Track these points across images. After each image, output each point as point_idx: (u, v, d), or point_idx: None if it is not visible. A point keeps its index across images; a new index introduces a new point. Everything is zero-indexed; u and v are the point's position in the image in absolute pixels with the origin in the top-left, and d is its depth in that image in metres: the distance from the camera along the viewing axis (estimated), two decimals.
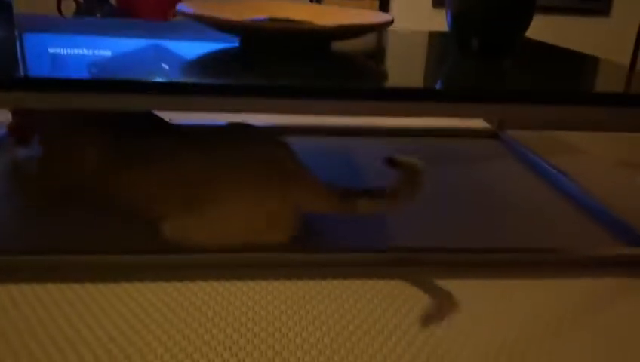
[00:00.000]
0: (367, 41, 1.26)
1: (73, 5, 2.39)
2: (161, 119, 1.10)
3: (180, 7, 1.10)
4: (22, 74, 0.78)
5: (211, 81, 0.80)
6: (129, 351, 0.71)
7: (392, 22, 1.11)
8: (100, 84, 0.77)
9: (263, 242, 0.92)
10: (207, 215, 0.91)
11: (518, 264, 0.96)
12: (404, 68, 0.99)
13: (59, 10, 2.37)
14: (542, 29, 2.56)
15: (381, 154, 1.46)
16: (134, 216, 1.00)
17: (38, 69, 0.81)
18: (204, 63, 0.92)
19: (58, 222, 1.03)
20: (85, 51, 0.95)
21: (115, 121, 1.06)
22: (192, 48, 1.03)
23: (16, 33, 1.05)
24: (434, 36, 1.41)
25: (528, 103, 0.86)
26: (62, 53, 0.92)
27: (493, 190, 1.27)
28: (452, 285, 0.89)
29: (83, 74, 0.79)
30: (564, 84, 0.92)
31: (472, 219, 1.12)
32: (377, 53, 1.13)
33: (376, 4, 2.53)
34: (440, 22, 2.53)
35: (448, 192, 1.24)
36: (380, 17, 1.17)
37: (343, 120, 1.73)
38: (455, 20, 1.19)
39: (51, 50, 0.93)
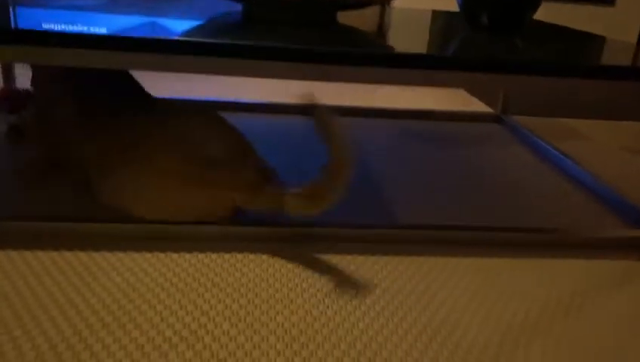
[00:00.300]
0: (373, 17, 1.22)
1: None
2: (136, 84, 1.08)
3: None
4: (19, 28, 0.74)
5: (207, 40, 0.76)
6: (123, 319, 0.68)
7: None
8: (98, 40, 0.74)
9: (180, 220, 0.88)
10: (131, 181, 0.89)
11: (521, 243, 0.93)
12: (409, 40, 0.96)
13: None
14: (547, 16, 2.53)
15: (382, 135, 1.43)
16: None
17: (33, 24, 0.77)
18: (203, 28, 0.88)
19: (50, 188, 0.99)
20: (83, 11, 0.91)
21: (91, 83, 1.03)
22: (191, 17, 1.00)
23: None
24: (442, 14, 1.38)
25: (532, 74, 0.83)
26: (58, 10, 0.88)
27: (496, 172, 1.24)
28: (454, 263, 0.86)
29: (78, 29, 0.75)
30: (569, 58, 0.89)
31: (476, 200, 1.10)
32: (383, 27, 1.10)
33: None
34: (444, 4, 2.48)
35: (451, 174, 1.22)
36: None
37: (345, 100, 1.70)
38: None
39: (46, 9, 0.89)
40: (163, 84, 1.72)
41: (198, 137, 0.90)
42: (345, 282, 0.79)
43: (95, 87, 1.02)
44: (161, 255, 0.82)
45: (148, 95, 1.07)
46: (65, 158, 1.03)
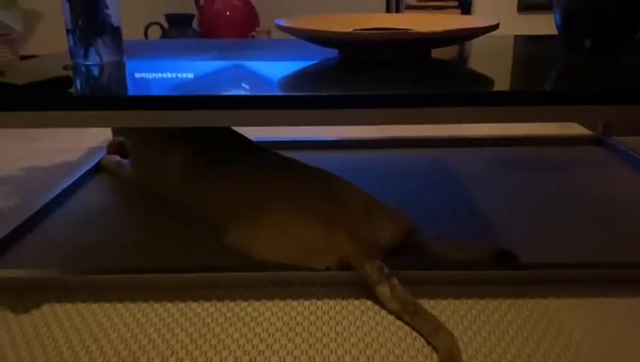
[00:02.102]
0: (461, 48, 1.21)
1: (159, 31, 2.49)
2: (240, 134, 1.15)
3: (278, 22, 1.10)
4: (130, 94, 0.79)
5: (312, 94, 0.78)
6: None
7: (497, 26, 1.06)
8: (203, 100, 0.77)
9: (306, 266, 0.88)
10: (264, 229, 0.92)
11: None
12: (513, 71, 0.94)
13: (145, 36, 2.47)
14: None
15: (479, 164, 1.40)
16: (208, 226, 1.03)
17: (140, 89, 0.82)
18: (304, 77, 0.91)
19: (157, 239, 1.03)
20: (183, 72, 0.96)
21: (198, 133, 1.11)
22: (287, 63, 1.02)
23: (124, 58, 1.08)
24: (534, 39, 1.34)
25: None
26: (158, 74, 0.94)
27: (600, 200, 1.17)
28: (582, 304, 0.82)
29: (182, 91, 0.79)
30: None
31: (581, 232, 1.04)
32: (478, 58, 1.08)
33: (458, 11, 2.47)
34: (526, 27, 2.43)
35: (558, 204, 1.16)
36: (482, 21, 1.12)
37: (439, 130, 1.68)
38: (565, 19, 1.12)
39: (147, 73, 0.95)
40: None
41: (319, 186, 0.96)
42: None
43: (202, 134, 1.09)
44: (281, 302, 0.83)
45: (247, 138, 1.14)
46: (169, 205, 1.10)
